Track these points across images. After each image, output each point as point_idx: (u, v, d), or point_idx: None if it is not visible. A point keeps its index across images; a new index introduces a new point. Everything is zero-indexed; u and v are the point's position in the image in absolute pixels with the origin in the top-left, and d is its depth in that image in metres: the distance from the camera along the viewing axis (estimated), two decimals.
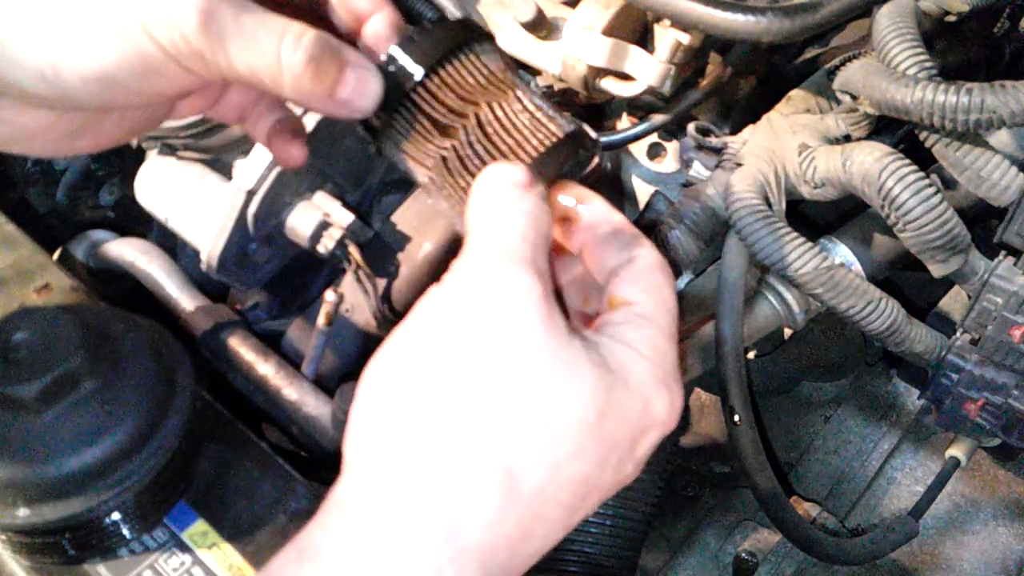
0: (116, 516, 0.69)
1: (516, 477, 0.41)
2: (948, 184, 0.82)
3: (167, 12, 0.45)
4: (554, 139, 0.51)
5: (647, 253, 0.50)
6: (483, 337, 0.43)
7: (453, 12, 0.94)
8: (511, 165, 0.49)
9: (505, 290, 0.44)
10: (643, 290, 0.49)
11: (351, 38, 0.54)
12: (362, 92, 0.49)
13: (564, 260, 0.55)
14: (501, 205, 0.47)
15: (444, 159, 0.52)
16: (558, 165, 0.51)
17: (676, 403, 0.47)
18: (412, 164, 0.54)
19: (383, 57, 0.52)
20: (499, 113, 0.52)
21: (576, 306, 0.55)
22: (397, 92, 0.51)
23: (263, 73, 0.47)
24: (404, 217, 0.97)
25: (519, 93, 0.52)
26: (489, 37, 0.54)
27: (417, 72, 0.51)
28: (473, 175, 0.51)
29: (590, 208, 0.52)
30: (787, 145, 0.85)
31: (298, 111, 0.62)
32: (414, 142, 0.53)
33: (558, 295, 0.54)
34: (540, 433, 0.42)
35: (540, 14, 0.90)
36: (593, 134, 0.53)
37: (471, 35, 0.53)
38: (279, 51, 0.46)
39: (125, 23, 0.45)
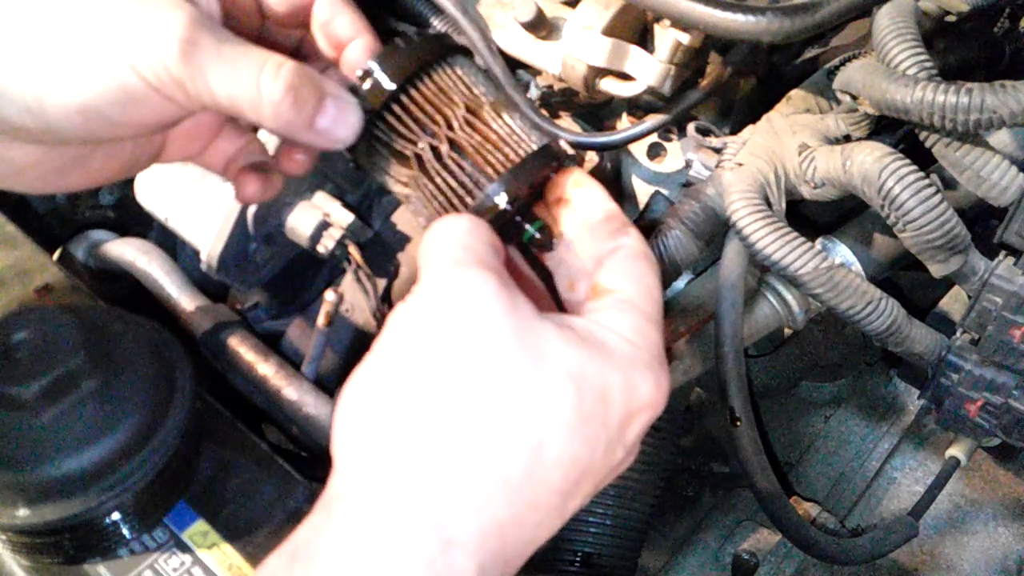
0: (116, 516, 0.69)
1: (500, 462, 0.42)
2: (948, 184, 0.82)
3: (149, 43, 0.46)
4: (519, 156, 0.52)
5: (632, 242, 0.51)
6: (450, 335, 0.44)
7: (452, 13, 0.94)
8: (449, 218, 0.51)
9: (461, 288, 0.45)
10: (626, 277, 0.50)
11: (332, 65, 0.56)
12: (342, 122, 0.51)
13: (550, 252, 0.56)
14: (440, 233, 0.48)
15: (416, 174, 0.53)
16: (526, 179, 0.52)
17: (663, 385, 0.47)
18: (388, 178, 0.55)
19: (358, 72, 0.53)
20: (468, 131, 0.53)
21: (563, 294, 0.56)
22: (371, 107, 0.53)
23: (243, 102, 0.48)
24: (404, 217, 0.97)
25: (490, 110, 0.54)
26: (464, 51, 0.56)
27: (390, 86, 0.52)
28: (444, 191, 0.52)
29: (583, 193, 0.53)
30: (787, 145, 0.85)
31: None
32: (389, 156, 0.54)
33: (547, 286, 0.55)
34: (517, 415, 0.42)
35: (540, 14, 0.90)
36: (569, 150, 0.54)
37: (445, 50, 0.54)
38: (259, 80, 0.48)
39: (107, 55, 0.46)
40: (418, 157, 0.53)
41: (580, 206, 0.53)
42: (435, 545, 0.40)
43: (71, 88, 0.47)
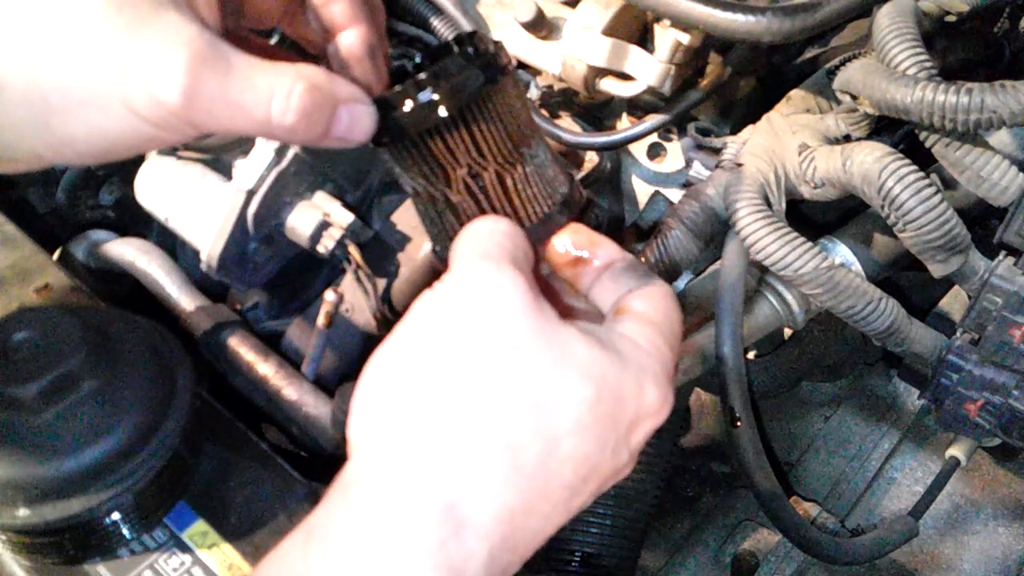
0: (116, 516, 0.69)
1: (516, 452, 0.43)
2: (948, 184, 0.82)
3: (152, 93, 0.44)
4: (547, 208, 0.54)
5: (661, 283, 0.53)
6: (475, 324, 0.45)
7: (452, 13, 0.94)
8: (489, 219, 0.51)
9: (490, 283, 0.46)
10: (651, 305, 0.51)
11: (323, 44, 0.54)
12: (355, 128, 0.50)
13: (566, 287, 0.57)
14: (478, 231, 0.50)
15: (442, 197, 0.53)
16: (548, 231, 0.54)
17: (669, 398, 0.48)
18: (412, 189, 0.55)
19: (397, 88, 0.51)
20: (502, 172, 0.52)
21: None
22: (414, 126, 0.51)
23: (255, 131, 0.47)
24: (404, 217, 0.97)
25: (527, 151, 0.53)
26: (513, 74, 0.54)
27: (441, 112, 0.50)
28: (464, 223, 0.52)
29: (603, 251, 0.54)
30: (787, 145, 0.85)
31: None
32: (420, 171, 0.53)
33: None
34: (537, 408, 0.44)
35: (540, 14, 0.90)
36: (584, 192, 0.56)
37: (498, 72, 0.52)
38: (269, 111, 0.46)
39: (114, 107, 0.45)
40: (449, 178, 0.52)
41: (602, 262, 0.54)
42: (448, 526, 0.41)
43: (83, 142, 0.46)
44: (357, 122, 0.50)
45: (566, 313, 0.55)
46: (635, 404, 0.46)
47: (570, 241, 0.55)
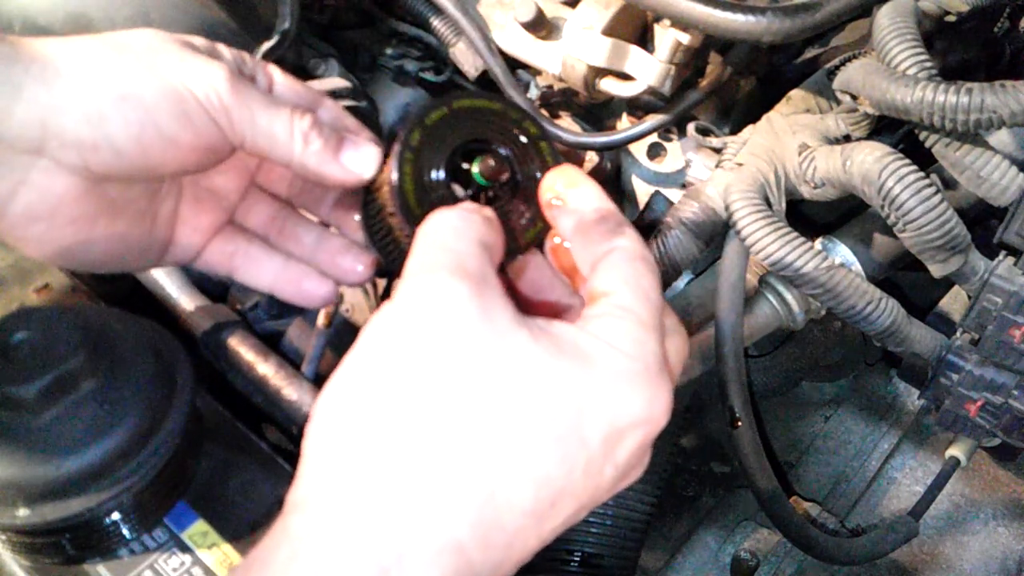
0: (116, 516, 0.69)
1: (460, 482, 0.40)
2: (948, 184, 0.82)
3: (203, 73, 0.54)
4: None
5: (627, 243, 0.49)
6: (418, 346, 0.43)
7: (452, 13, 0.94)
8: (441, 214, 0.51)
9: (431, 299, 0.43)
10: (621, 281, 0.47)
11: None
12: (362, 156, 0.57)
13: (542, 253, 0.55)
14: (428, 230, 0.48)
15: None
16: (532, 164, 0.54)
17: (661, 399, 0.44)
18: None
19: None
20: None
21: (561, 299, 0.55)
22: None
23: (279, 134, 0.55)
24: None
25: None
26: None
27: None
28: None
29: (578, 193, 0.52)
30: (787, 145, 0.85)
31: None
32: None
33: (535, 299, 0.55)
34: (480, 430, 0.41)
35: (540, 14, 0.90)
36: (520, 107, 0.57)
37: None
38: (291, 118, 0.56)
39: (166, 78, 0.54)
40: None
41: (574, 207, 0.51)
42: (390, 558, 0.39)
43: (132, 101, 0.53)
44: (365, 152, 0.56)
45: (533, 306, 0.54)
46: (609, 415, 0.42)
47: (552, 180, 0.52)
